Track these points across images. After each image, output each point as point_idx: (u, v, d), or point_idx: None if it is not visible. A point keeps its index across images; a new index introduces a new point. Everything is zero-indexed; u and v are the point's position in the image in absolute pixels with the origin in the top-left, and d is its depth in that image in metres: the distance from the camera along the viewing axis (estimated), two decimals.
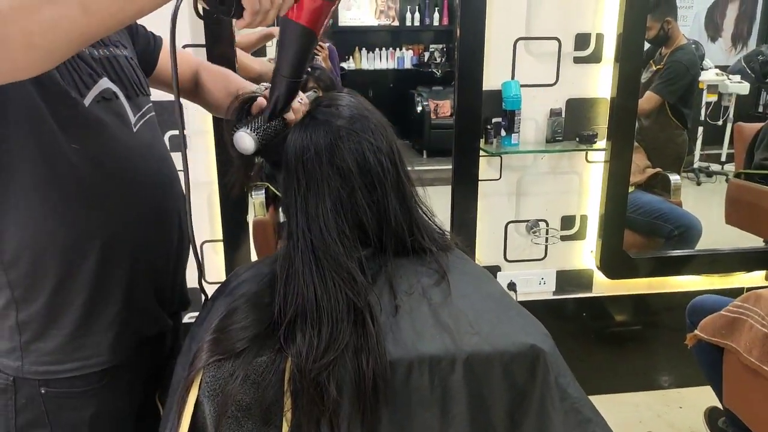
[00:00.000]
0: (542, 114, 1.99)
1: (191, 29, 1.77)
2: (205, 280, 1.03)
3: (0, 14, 0.64)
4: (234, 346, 0.78)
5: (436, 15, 5.84)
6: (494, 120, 1.96)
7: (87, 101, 0.87)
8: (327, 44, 3.17)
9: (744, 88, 3.66)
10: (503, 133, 1.95)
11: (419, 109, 5.25)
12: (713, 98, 3.77)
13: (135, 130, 0.96)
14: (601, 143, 2.00)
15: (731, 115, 3.73)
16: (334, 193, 0.83)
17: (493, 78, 1.92)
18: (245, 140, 0.86)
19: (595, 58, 1.96)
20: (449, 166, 2.05)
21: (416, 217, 0.90)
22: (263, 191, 2.01)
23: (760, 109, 4.06)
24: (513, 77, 1.94)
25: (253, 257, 1.99)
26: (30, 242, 0.86)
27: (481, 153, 1.98)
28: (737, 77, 3.74)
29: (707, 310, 1.71)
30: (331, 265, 0.81)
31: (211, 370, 0.76)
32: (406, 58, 5.93)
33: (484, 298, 0.89)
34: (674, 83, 2.71)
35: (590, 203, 2.10)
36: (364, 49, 5.84)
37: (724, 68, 3.86)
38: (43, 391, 0.91)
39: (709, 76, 3.69)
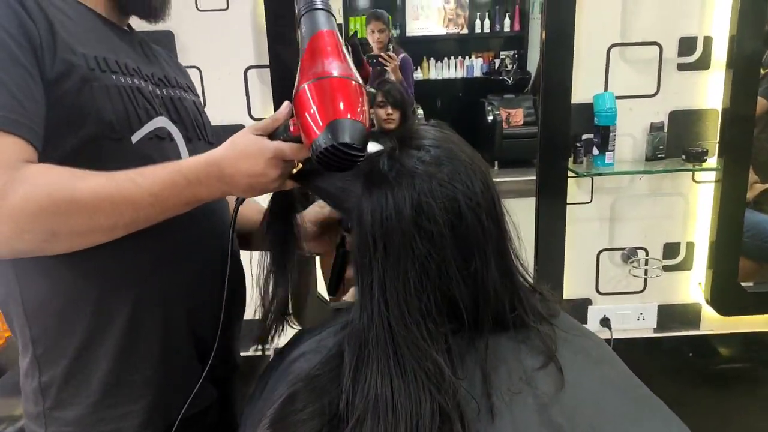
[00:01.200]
0: (641, 129, 1.75)
1: (255, 50, 1.67)
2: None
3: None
4: None
5: (507, 21, 5.61)
6: (584, 137, 1.74)
7: (136, 138, 0.81)
8: (401, 55, 3.01)
9: None
10: (595, 151, 1.72)
11: (490, 118, 5.02)
12: None
13: None
14: (711, 161, 1.74)
15: None
16: (419, 263, 0.65)
17: (583, 89, 1.70)
18: None
19: (703, 64, 1.70)
20: (522, 177, 1.85)
21: (518, 287, 0.72)
22: None
23: None
24: (606, 88, 1.72)
25: (320, 286, 1.85)
26: (55, 292, 0.80)
27: (570, 174, 1.76)
28: None
29: None
30: (413, 354, 0.64)
31: None
32: (476, 66, 5.72)
33: (605, 385, 0.69)
34: None
35: (698, 229, 1.84)
36: (432, 58, 5.68)
37: None
38: None
39: None
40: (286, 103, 0.77)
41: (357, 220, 0.69)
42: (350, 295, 2.18)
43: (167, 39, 1.64)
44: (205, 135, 0.95)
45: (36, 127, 0.71)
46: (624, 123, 1.72)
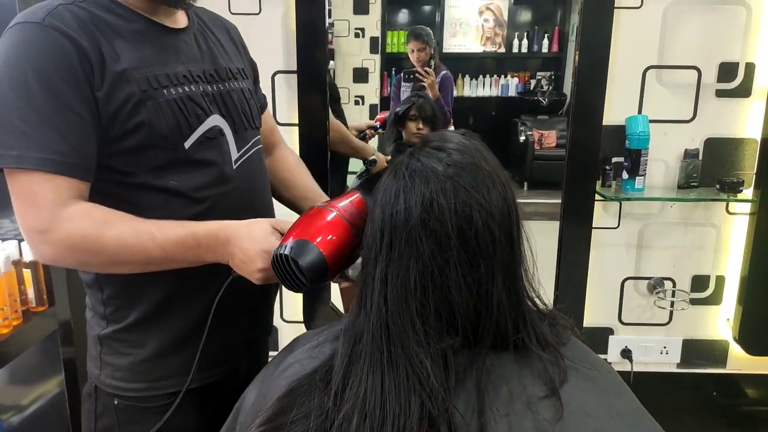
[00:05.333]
0: (675, 155, 1.70)
1: (284, 55, 1.67)
2: (283, 319, 0.91)
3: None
4: None
5: (545, 42, 5.57)
6: (615, 160, 1.69)
7: (189, 143, 0.90)
8: (442, 72, 2.97)
9: None
10: (625, 175, 1.67)
11: (522, 138, 4.97)
12: None
13: (235, 166, 0.97)
14: (747, 192, 1.67)
15: None
16: (423, 262, 0.64)
17: (615, 111, 1.66)
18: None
19: (744, 91, 1.64)
20: (552, 200, 1.81)
21: (525, 310, 0.69)
22: None
23: None
24: (640, 111, 1.67)
25: (334, 295, 1.83)
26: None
27: (597, 197, 1.71)
28: None
29: None
30: (407, 355, 0.62)
31: None
32: (511, 85, 5.68)
33: (611, 416, 0.65)
34: None
35: (730, 262, 1.76)
36: (467, 76, 5.67)
37: None
38: (116, 402, 0.96)
39: None
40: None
41: (370, 215, 0.69)
42: None
43: None
44: (252, 123, 1.03)
45: (87, 163, 0.84)
46: (657, 148, 1.67)
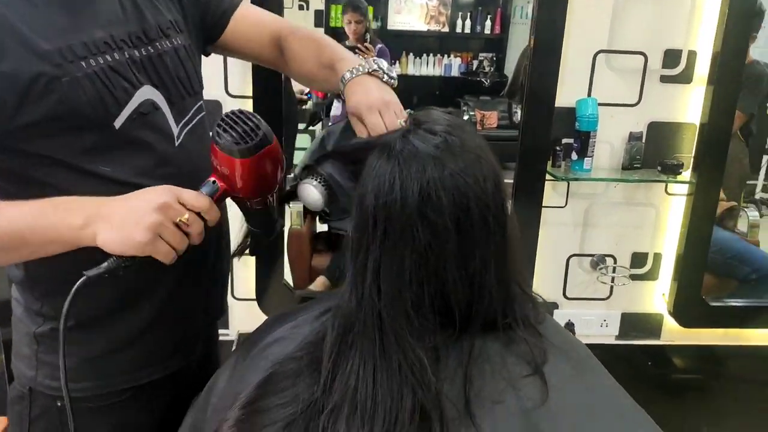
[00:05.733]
0: (620, 137, 1.76)
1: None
2: (234, 297, 0.88)
3: None
4: None
5: (488, 23, 5.62)
6: (564, 141, 1.75)
7: (119, 122, 0.79)
8: (378, 45, 2.97)
9: None
10: (574, 156, 1.73)
11: (465, 118, 5.03)
12: None
13: (178, 142, 0.87)
14: (686, 174, 1.76)
15: None
16: (418, 252, 0.63)
17: (567, 94, 1.70)
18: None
19: (686, 78, 1.72)
20: None
21: (513, 294, 0.70)
22: None
23: None
24: (590, 94, 1.72)
25: (286, 272, 1.81)
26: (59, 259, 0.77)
27: (548, 177, 1.76)
28: None
29: None
30: (400, 346, 0.62)
31: None
32: (454, 65, 5.72)
33: (590, 395, 0.68)
34: (756, 93, 2.46)
35: (667, 241, 1.86)
36: (411, 54, 5.66)
37: None
38: (58, 404, 0.87)
39: None
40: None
41: (359, 198, 0.66)
42: (316, 285, 2.14)
43: None
44: (191, 88, 0.91)
45: None
46: (604, 130, 1.73)
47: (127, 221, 0.69)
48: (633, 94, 1.74)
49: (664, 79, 1.73)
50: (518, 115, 2.30)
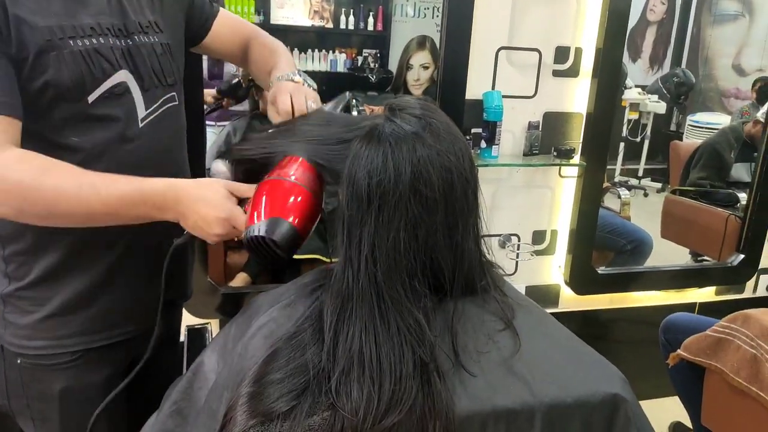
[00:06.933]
0: (520, 126, 1.94)
1: None
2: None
3: None
4: (278, 406, 0.65)
5: (371, 20, 5.75)
6: (474, 130, 1.89)
7: (92, 97, 0.89)
8: None
9: (661, 107, 3.87)
10: (483, 144, 1.88)
11: (354, 113, 5.13)
12: (635, 116, 3.96)
13: (141, 124, 0.96)
14: (576, 158, 1.98)
15: (648, 133, 3.95)
16: (411, 225, 0.70)
17: (475, 87, 1.85)
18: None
19: (574, 72, 1.94)
20: None
21: (484, 260, 0.80)
22: None
23: (673, 127, 4.32)
24: (494, 87, 1.88)
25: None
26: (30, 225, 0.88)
27: None
28: (655, 96, 3.96)
29: (682, 328, 1.73)
30: (398, 310, 0.69)
31: None
32: (340, 61, 5.78)
33: (553, 342, 0.80)
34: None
35: (561, 218, 2.08)
36: (296, 49, 5.65)
37: (643, 87, 4.07)
38: (19, 361, 0.96)
39: (631, 94, 3.87)
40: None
41: (349, 177, 0.72)
42: (237, 281, 2.12)
43: None
44: (164, 80, 1.00)
45: (13, 100, 0.81)
46: (507, 120, 1.90)
47: (198, 229, 0.85)
48: (530, 86, 1.92)
49: (556, 73, 1.93)
50: None
